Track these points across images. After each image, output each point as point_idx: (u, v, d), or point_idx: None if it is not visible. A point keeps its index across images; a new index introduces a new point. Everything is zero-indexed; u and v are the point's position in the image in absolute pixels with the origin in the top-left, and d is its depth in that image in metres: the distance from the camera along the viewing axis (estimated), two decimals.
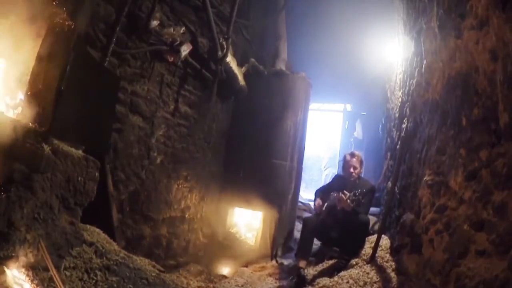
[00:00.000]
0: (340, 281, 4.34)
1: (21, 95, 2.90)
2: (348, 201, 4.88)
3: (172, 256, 5.65)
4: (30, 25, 2.86)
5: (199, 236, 6.43)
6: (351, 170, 5.47)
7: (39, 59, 2.86)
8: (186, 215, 5.99)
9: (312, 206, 7.85)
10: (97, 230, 3.72)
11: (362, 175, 5.80)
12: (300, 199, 8.61)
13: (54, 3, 2.89)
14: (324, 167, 17.59)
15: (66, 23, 2.90)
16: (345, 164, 5.59)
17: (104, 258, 3.33)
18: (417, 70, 4.53)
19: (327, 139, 18.22)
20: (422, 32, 4.14)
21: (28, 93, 2.85)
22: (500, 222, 2.00)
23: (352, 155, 5.59)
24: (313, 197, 6.03)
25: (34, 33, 2.88)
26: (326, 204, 5.38)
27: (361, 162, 5.55)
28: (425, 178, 3.52)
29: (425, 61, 4.03)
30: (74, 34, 2.96)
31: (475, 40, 2.50)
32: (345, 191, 4.99)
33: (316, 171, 17.85)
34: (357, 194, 4.89)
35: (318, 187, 6.14)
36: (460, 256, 2.45)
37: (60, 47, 2.87)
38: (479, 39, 2.44)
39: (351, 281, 4.24)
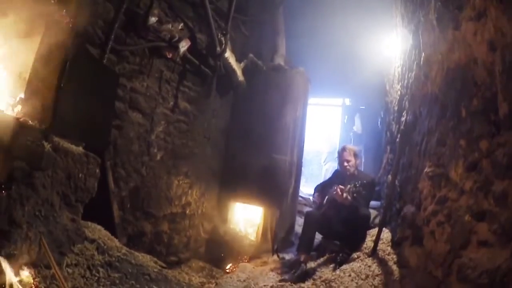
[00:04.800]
0: (342, 274, 4.35)
1: (21, 93, 2.90)
2: (345, 194, 4.91)
3: (173, 252, 5.66)
4: (30, 23, 2.86)
5: (200, 232, 6.44)
6: (345, 163, 5.53)
7: (39, 57, 2.86)
8: (187, 211, 6.00)
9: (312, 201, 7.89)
10: (98, 227, 3.73)
11: (362, 169, 5.82)
12: (300, 194, 8.63)
13: (53, 0, 2.88)
14: (324, 161, 17.60)
15: (65, 21, 2.90)
16: (339, 159, 5.68)
17: (106, 254, 3.34)
18: (415, 63, 4.53)
19: (326, 133, 18.24)
20: (420, 24, 4.13)
21: (28, 91, 2.85)
22: (502, 212, 2.01)
23: (344, 149, 5.70)
24: (313, 192, 6.07)
25: (33, 31, 2.88)
26: (327, 197, 5.40)
27: (354, 154, 5.60)
28: (425, 170, 3.52)
29: (423, 54, 4.03)
30: (73, 31, 2.96)
31: (473, 32, 2.50)
32: (341, 186, 5.03)
33: (316, 166, 17.86)
34: (358, 185, 4.92)
35: (318, 183, 6.18)
36: (462, 247, 2.45)
37: (59, 45, 2.87)
38: (477, 31, 2.43)
39: (353, 274, 4.26)
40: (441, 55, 3.31)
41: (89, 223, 3.62)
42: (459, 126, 2.79)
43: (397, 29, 6.10)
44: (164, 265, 4.24)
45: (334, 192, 5.07)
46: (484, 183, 2.27)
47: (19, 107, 2.87)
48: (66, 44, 2.91)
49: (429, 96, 3.79)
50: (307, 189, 10.81)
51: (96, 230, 3.62)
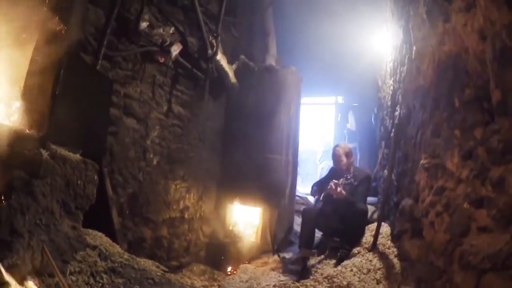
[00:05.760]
0: (344, 270, 4.38)
1: (16, 103, 2.90)
2: (339, 188, 4.97)
3: (174, 257, 5.65)
4: (23, 32, 2.86)
5: (199, 235, 6.43)
6: (341, 160, 5.58)
7: (33, 65, 2.86)
8: (186, 215, 5.99)
9: (310, 200, 7.94)
10: (99, 233, 3.73)
11: (358, 165, 5.88)
12: (297, 193, 8.65)
13: (45, 8, 2.89)
14: (319, 160, 17.61)
15: (58, 28, 2.91)
16: (334, 157, 5.72)
17: (109, 260, 3.34)
18: (407, 57, 4.57)
19: (320, 132, 18.31)
20: (410, 19, 4.17)
21: (23, 99, 2.85)
22: (499, 197, 2.03)
23: (337, 146, 5.76)
24: (309, 191, 6.13)
25: (27, 39, 2.88)
26: (323, 194, 5.45)
27: (348, 151, 5.66)
28: (421, 162, 3.55)
29: (414, 48, 4.07)
30: (67, 39, 2.97)
31: (463, 23, 2.53)
32: (334, 180, 5.10)
33: (311, 165, 17.84)
34: (349, 177, 4.99)
35: (315, 181, 6.21)
36: (462, 235, 2.48)
37: (53, 52, 2.87)
38: (467, 21, 2.47)
39: (355, 269, 4.29)
40: (432, 47, 3.35)
41: (90, 230, 3.61)
42: (453, 116, 2.82)
43: (388, 25, 6.15)
44: (166, 269, 4.25)
45: (329, 188, 5.12)
46: (480, 170, 2.30)
47: (15, 116, 2.87)
48: (60, 52, 2.91)
49: (421, 88, 3.83)
50: (303, 189, 10.82)
51: (97, 237, 3.62)
